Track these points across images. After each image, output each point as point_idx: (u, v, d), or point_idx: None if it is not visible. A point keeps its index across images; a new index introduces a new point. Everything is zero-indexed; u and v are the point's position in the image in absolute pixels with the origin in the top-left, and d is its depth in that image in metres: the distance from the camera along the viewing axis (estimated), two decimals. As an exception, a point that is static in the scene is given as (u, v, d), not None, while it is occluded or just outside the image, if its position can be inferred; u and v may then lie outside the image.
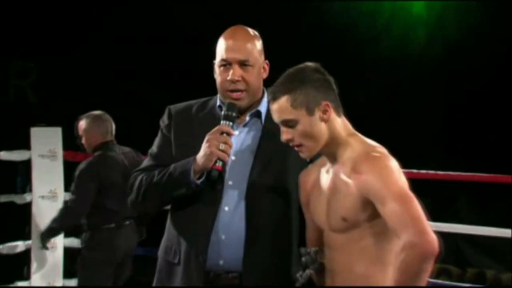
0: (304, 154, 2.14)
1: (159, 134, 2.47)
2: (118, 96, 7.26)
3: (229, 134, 2.28)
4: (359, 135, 2.15)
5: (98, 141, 4.39)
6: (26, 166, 5.04)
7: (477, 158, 6.25)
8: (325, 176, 2.15)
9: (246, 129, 2.39)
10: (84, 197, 4.30)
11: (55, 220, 4.44)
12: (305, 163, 2.28)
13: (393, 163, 2.03)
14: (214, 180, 2.28)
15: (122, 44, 7.39)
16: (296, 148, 2.14)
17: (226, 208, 2.31)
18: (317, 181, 2.17)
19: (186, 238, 2.33)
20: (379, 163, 2.01)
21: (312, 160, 2.22)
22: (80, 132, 4.45)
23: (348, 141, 2.11)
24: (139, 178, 2.38)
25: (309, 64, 2.15)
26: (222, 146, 2.25)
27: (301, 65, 2.16)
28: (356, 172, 2.01)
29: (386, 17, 7.21)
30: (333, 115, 2.12)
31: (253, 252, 2.29)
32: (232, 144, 2.28)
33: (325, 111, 2.10)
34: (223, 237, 2.29)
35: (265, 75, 2.40)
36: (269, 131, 2.34)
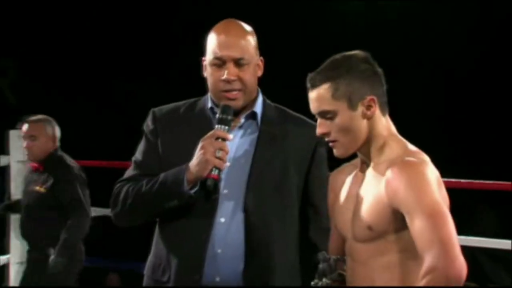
0: (338, 152, 1.97)
1: (143, 140, 2.30)
2: (103, 96, 7.05)
3: (225, 140, 2.13)
4: (401, 138, 1.98)
5: (55, 146, 4.24)
6: (3, 173, 4.74)
7: (478, 163, 6.15)
8: (357, 178, 2.00)
9: (241, 132, 2.25)
10: (88, 204, 4.18)
11: (68, 241, 4.09)
12: (305, 166, 2.22)
13: (432, 172, 1.86)
14: (209, 190, 2.12)
15: (107, 42, 7.17)
16: (330, 144, 1.98)
17: (222, 220, 2.16)
18: (347, 183, 2.02)
19: (177, 253, 2.18)
20: (414, 169, 1.84)
21: (311, 163, 2.15)
22: (36, 133, 4.20)
23: (387, 143, 1.94)
24: (125, 189, 2.22)
25: (358, 52, 1.97)
26: (218, 153, 2.10)
27: (349, 53, 1.97)
28: (388, 178, 1.85)
29: (380, 18, 7.07)
30: (377, 112, 1.95)
31: (254, 266, 2.16)
32: (228, 151, 2.13)
33: (369, 107, 1.93)
34: (219, 251, 2.15)
35: (260, 72, 2.26)
36: (266, 133, 2.23)
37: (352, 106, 1.92)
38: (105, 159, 5.02)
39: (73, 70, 7.25)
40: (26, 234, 4.24)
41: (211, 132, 2.13)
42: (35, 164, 4.24)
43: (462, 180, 4.10)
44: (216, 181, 2.12)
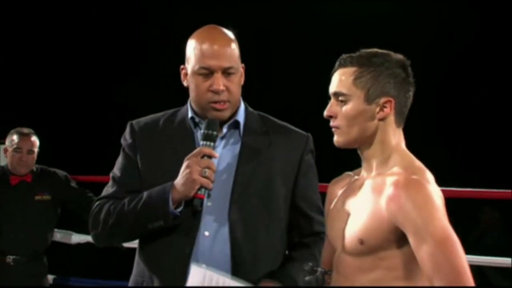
0: (337, 139, 1.89)
1: (121, 155, 2.21)
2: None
3: (211, 157, 2.04)
4: (409, 153, 1.88)
5: None
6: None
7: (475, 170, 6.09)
8: (354, 187, 1.91)
9: (223, 143, 2.17)
10: None
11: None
12: (292, 177, 2.16)
13: (437, 193, 1.77)
14: (196, 210, 2.06)
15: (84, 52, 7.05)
16: (332, 130, 1.90)
17: (206, 233, 2.09)
18: (345, 191, 1.94)
19: (160, 270, 2.10)
20: (421, 190, 1.74)
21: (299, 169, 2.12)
22: (35, 147, 4.21)
23: (392, 154, 1.86)
24: (105, 208, 2.13)
25: (401, 56, 1.89)
26: (205, 172, 2.02)
27: (391, 52, 1.89)
28: (391, 194, 1.75)
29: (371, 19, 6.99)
30: (391, 118, 1.86)
31: (240, 279, 2.05)
32: (215, 169, 2.05)
33: (383, 108, 1.84)
34: (203, 266, 2.05)
35: (242, 80, 2.19)
36: (249, 144, 2.16)
37: (368, 99, 1.84)
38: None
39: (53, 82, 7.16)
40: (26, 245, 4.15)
41: (197, 150, 2.05)
42: (20, 177, 4.16)
43: (463, 189, 4.06)
44: (203, 201, 2.04)
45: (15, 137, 4.14)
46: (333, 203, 1.97)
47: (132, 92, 6.84)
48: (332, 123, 1.89)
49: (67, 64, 7.26)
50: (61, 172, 4.30)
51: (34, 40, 7.16)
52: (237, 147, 2.16)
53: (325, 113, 1.89)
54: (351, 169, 2.01)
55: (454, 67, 6.95)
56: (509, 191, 3.86)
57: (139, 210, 2.07)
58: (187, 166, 2.03)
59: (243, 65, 2.18)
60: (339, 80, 1.87)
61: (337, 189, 1.99)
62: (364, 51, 1.89)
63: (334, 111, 1.87)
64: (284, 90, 6.84)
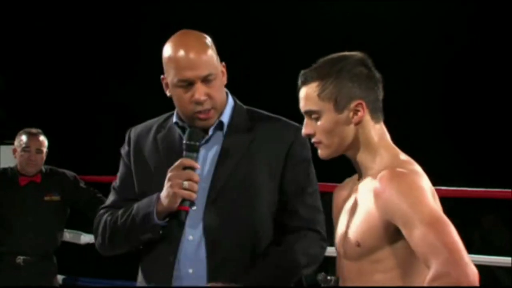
0: (321, 153, 1.88)
1: (120, 163, 2.23)
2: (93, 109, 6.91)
3: (193, 169, 2.02)
4: (394, 146, 1.87)
5: None
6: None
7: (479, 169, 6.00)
8: (353, 192, 1.90)
9: (208, 145, 2.13)
10: None
11: None
12: (279, 169, 2.10)
13: (424, 182, 1.76)
14: (181, 222, 2.05)
15: (96, 53, 7.04)
16: (315, 145, 1.89)
17: (191, 237, 2.07)
18: (347, 198, 1.92)
19: (150, 277, 2.12)
20: (404, 179, 1.73)
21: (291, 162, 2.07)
22: (43, 147, 4.21)
23: (378, 151, 1.84)
24: (103, 220, 2.16)
25: (356, 53, 1.86)
26: (185, 184, 2.00)
27: (347, 53, 1.86)
28: (377, 189, 1.75)
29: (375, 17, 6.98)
30: (367, 118, 1.84)
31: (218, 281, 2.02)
32: (198, 179, 2.02)
33: (356, 112, 1.82)
34: (190, 271, 2.06)
35: (224, 79, 2.14)
36: (231, 143, 2.11)
37: (338, 108, 1.82)
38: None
39: (62, 82, 7.15)
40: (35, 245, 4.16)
41: (178, 162, 2.03)
42: (29, 178, 4.17)
43: (463, 188, 4.06)
44: (187, 212, 2.04)
45: (23, 137, 4.15)
46: (339, 212, 1.95)
47: (134, 92, 6.86)
48: (313, 140, 1.88)
49: (75, 66, 7.26)
50: (70, 173, 4.32)
51: (41, 42, 7.17)
52: (219, 149, 2.12)
53: (303, 131, 1.88)
54: (352, 169, 1.98)
55: (454, 67, 6.96)
56: (509, 190, 3.88)
57: (129, 225, 2.09)
58: (168, 179, 2.02)
59: (223, 63, 2.13)
60: (305, 98, 1.85)
61: (341, 196, 1.97)
62: (321, 60, 1.87)
63: (311, 129, 1.86)
64: (284, 89, 6.85)
